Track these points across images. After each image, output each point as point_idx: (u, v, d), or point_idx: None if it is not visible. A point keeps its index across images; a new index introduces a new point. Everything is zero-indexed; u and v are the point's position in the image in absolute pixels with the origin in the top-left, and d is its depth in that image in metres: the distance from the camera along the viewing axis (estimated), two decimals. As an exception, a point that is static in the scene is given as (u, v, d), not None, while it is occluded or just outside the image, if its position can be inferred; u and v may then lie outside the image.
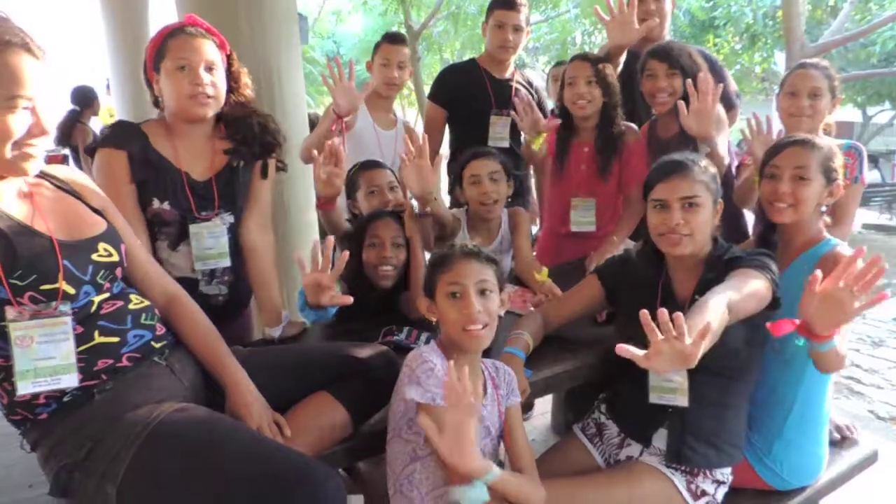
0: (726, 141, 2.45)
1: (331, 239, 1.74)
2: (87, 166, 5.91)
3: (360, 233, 2.13)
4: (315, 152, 2.08)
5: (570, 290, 2.00)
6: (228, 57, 1.92)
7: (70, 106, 6.09)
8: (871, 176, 2.62)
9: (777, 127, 2.39)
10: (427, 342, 1.92)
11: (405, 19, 9.37)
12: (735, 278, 1.57)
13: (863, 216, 10.66)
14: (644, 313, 1.25)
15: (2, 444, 1.57)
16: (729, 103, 2.95)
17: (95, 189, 1.52)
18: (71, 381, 1.31)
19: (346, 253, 1.75)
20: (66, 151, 5.98)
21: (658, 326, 1.23)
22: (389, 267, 2.07)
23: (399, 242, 2.11)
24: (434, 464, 1.46)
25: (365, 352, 1.63)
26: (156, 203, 1.86)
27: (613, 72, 2.62)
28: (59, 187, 1.45)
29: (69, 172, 1.50)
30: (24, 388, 1.29)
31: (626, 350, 1.25)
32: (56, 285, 1.30)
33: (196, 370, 1.53)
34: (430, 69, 12.51)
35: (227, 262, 1.94)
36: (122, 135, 1.86)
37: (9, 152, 1.25)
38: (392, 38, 3.01)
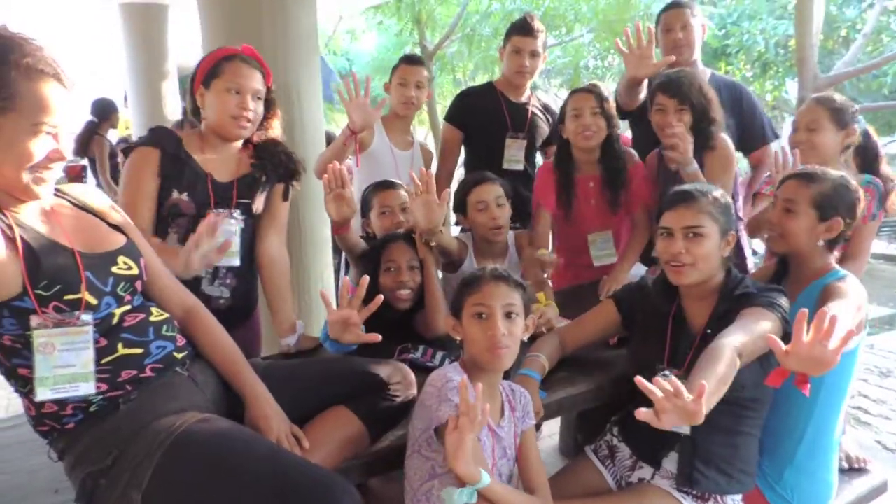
0: (731, 179, 2.48)
1: (365, 279, 1.75)
2: (103, 176, 5.99)
3: (375, 257, 2.15)
4: (325, 177, 2.12)
5: (586, 314, 2.03)
6: (268, 89, 2.04)
7: (88, 117, 6.17)
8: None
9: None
10: (442, 360, 1.96)
11: (420, 40, 9.47)
12: (746, 319, 1.59)
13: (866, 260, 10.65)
14: (639, 380, 1.29)
15: (27, 449, 1.60)
16: (763, 138, 3.00)
17: (113, 206, 1.58)
18: (88, 388, 1.34)
19: (366, 278, 1.76)
20: (85, 162, 6.05)
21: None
22: (407, 290, 2.09)
23: (414, 265, 2.13)
24: (452, 481, 1.48)
25: (383, 369, 1.65)
26: (175, 194, 1.93)
27: (625, 97, 2.66)
28: (77, 206, 1.49)
29: (87, 191, 1.55)
30: (42, 394, 1.32)
31: (643, 414, 1.29)
32: (79, 295, 1.34)
33: (217, 382, 1.56)
34: (442, 89, 12.62)
35: (236, 262, 1.98)
36: (159, 136, 1.98)
37: (26, 176, 1.30)
38: (409, 60, 3.06)
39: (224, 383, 1.57)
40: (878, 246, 11.28)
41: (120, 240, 1.50)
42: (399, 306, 2.08)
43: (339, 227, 2.20)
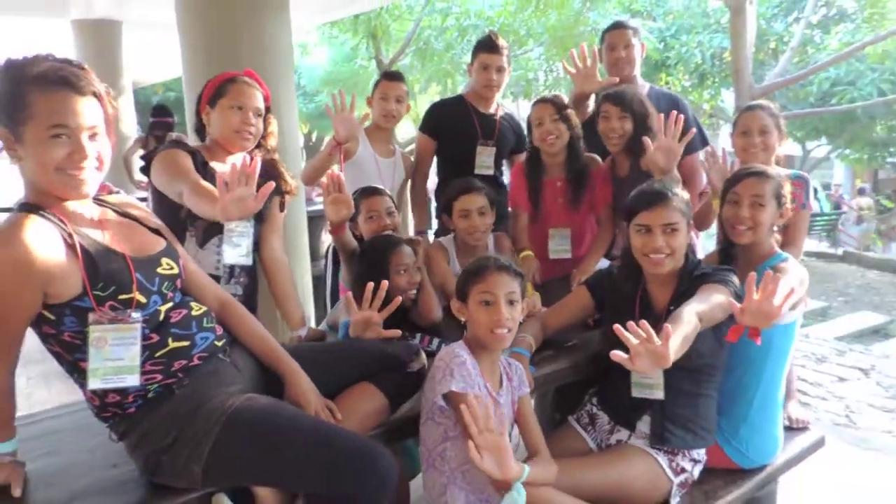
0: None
1: (385, 283, 1.98)
2: None
3: (382, 261, 2.29)
4: (323, 180, 2.32)
5: (563, 301, 2.29)
6: (268, 108, 2.26)
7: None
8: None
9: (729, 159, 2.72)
10: (438, 346, 2.18)
11: (376, 53, 9.72)
12: (704, 293, 1.86)
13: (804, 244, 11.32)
14: (617, 328, 1.53)
15: (82, 433, 1.74)
16: (693, 147, 3.30)
17: (150, 212, 1.76)
18: (133, 380, 1.50)
19: (383, 289, 1.98)
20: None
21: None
22: (415, 290, 2.31)
23: (418, 265, 2.35)
24: (462, 443, 1.70)
25: (398, 349, 1.87)
26: None
27: (573, 110, 2.92)
28: (119, 213, 1.66)
29: (126, 199, 1.72)
30: (93, 384, 1.48)
31: (618, 356, 1.52)
32: (131, 295, 1.50)
33: (254, 365, 1.74)
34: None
35: (249, 261, 2.19)
36: (183, 145, 2.17)
37: (53, 176, 1.44)
38: (390, 76, 3.28)
39: (260, 367, 1.75)
40: (811, 244, 11.99)
41: (161, 243, 1.67)
42: (406, 303, 2.28)
43: (336, 228, 2.40)
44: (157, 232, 1.71)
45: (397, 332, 1.95)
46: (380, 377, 1.79)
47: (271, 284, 2.35)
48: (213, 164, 2.17)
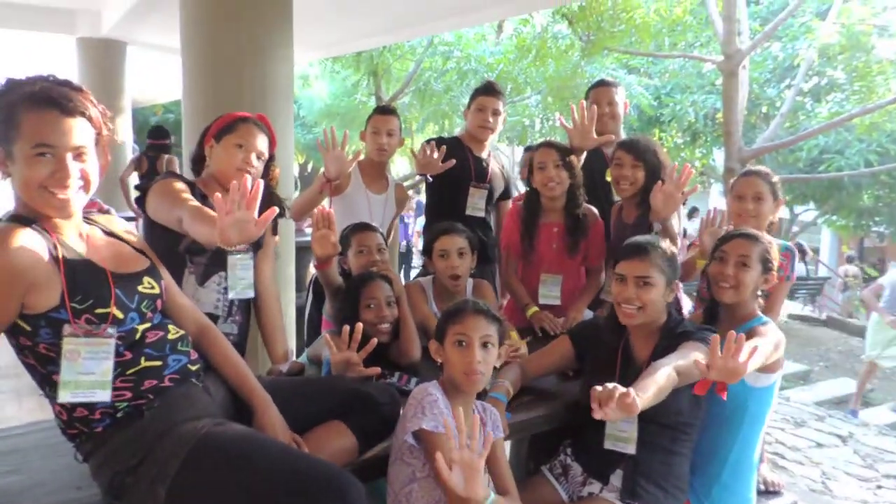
0: (678, 222, 2.80)
1: (360, 325, 1.99)
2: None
3: (355, 294, 2.33)
4: (315, 211, 2.33)
5: (545, 348, 2.30)
6: (272, 155, 2.28)
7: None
8: (797, 269, 3.03)
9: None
10: (416, 385, 2.17)
11: (376, 91, 9.88)
12: (684, 349, 1.88)
13: (789, 307, 11.41)
14: (593, 388, 1.58)
15: (44, 453, 1.72)
16: None
17: (136, 234, 1.76)
18: (104, 396, 1.49)
19: (358, 330, 2.00)
20: None
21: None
22: (386, 325, 2.30)
23: (391, 301, 2.34)
24: (430, 485, 1.69)
25: (374, 389, 1.87)
26: None
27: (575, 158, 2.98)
28: (106, 232, 1.68)
29: (112, 220, 1.74)
30: (63, 396, 1.47)
31: (595, 411, 1.56)
32: (108, 310, 1.50)
33: (225, 392, 1.74)
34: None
35: (251, 293, 2.18)
36: (179, 177, 2.16)
37: (37, 194, 1.46)
38: (382, 110, 3.32)
39: (232, 395, 1.74)
40: (794, 307, 12.08)
41: (144, 262, 1.68)
42: (380, 338, 2.28)
43: (321, 263, 2.41)
44: (142, 252, 1.72)
45: (377, 371, 1.94)
46: (352, 417, 1.78)
47: (259, 315, 2.34)
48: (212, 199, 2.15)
